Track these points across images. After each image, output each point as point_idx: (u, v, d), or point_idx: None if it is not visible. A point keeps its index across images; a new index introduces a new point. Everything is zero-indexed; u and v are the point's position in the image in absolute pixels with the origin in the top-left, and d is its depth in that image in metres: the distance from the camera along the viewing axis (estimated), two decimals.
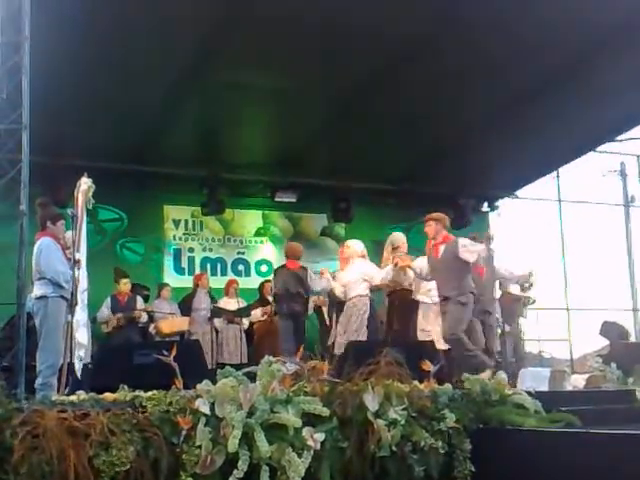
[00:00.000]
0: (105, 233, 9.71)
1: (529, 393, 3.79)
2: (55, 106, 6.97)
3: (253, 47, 6.75)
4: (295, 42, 6.66)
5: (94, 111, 7.59)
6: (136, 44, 6.58)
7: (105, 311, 8.00)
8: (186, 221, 10.41)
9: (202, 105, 7.97)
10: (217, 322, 8.67)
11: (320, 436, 3.24)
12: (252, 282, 10.18)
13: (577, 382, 4.84)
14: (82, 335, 4.81)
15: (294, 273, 7.61)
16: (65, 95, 7.04)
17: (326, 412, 3.33)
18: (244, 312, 8.80)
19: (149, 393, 3.33)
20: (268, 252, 10.87)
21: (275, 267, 8.71)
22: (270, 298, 8.99)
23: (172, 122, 8.28)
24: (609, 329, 8.47)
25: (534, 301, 8.60)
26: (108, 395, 3.35)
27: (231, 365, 3.85)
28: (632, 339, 9.91)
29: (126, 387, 3.39)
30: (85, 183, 4.77)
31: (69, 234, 5.13)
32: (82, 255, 4.90)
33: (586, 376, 4.97)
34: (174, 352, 3.55)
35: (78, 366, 4.69)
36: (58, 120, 7.38)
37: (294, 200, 10.45)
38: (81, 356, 4.73)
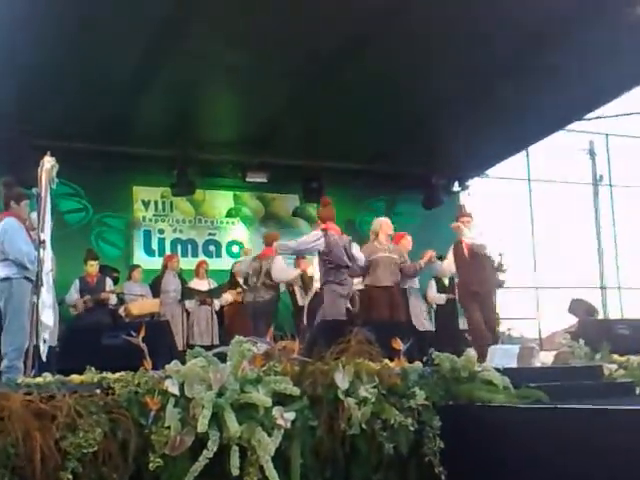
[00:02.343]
0: (67, 225, 9.54)
1: (498, 370, 3.81)
2: (18, 84, 6.82)
3: (220, 24, 6.67)
4: (262, 18, 6.57)
5: (59, 90, 7.45)
6: (102, 21, 6.45)
7: (73, 293, 7.90)
8: (156, 202, 10.31)
9: (170, 84, 7.85)
10: (188, 303, 8.63)
11: (290, 415, 3.23)
12: (223, 263, 10.14)
13: (545, 359, 4.90)
14: (47, 317, 4.73)
15: (260, 263, 7.69)
16: (28, 73, 6.90)
17: (296, 391, 3.32)
18: (215, 293, 8.77)
19: (117, 374, 3.29)
20: (239, 233, 10.83)
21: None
22: (241, 280, 8.97)
23: (140, 101, 8.18)
24: (577, 306, 8.58)
25: (504, 282, 8.67)
26: (75, 377, 3.31)
27: (202, 346, 3.82)
28: (600, 316, 10.07)
29: (93, 369, 3.35)
30: (48, 162, 4.67)
31: (34, 215, 5.04)
32: (47, 235, 4.81)
33: (554, 353, 5.03)
34: (143, 333, 3.51)
35: (43, 348, 4.63)
36: (21, 98, 7.23)
37: (265, 180, 10.40)
38: (45, 338, 4.66)
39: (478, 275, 6.86)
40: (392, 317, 7.01)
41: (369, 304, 7.28)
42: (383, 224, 7.49)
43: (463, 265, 7.07)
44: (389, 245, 7.39)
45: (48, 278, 4.86)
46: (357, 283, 7.68)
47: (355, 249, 6.99)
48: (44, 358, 4.62)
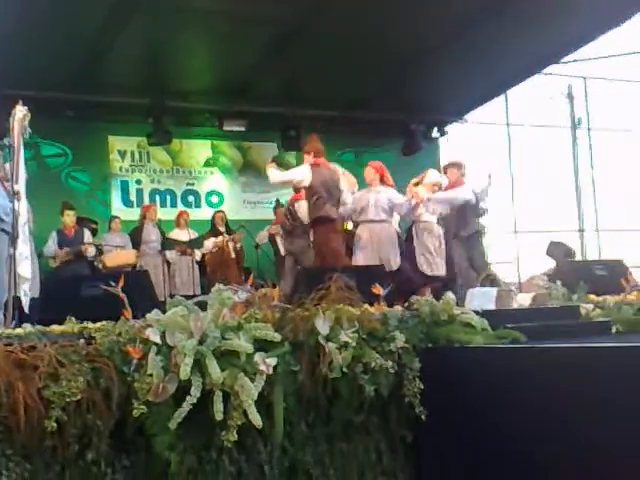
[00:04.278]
0: (48, 168, 9.48)
1: (476, 312, 3.86)
2: None
3: None
4: None
5: (28, 38, 7.25)
6: None
7: (51, 245, 7.84)
8: (132, 152, 10.19)
9: (144, 29, 7.68)
10: (169, 254, 8.62)
11: (272, 361, 3.25)
12: (203, 213, 10.11)
13: (523, 300, 4.95)
14: (25, 269, 4.69)
15: (329, 173, 6.91)
16: None
17: (278, 337, 3.34)
18: (196, 243, 8.77)
19: (98, 324, 3.28)
20: (218, 182, 10.77)
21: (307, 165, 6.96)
22: (222, 229, 8.95)
23: (113, 48, 7.99)
24: (555, 249, 8.69)
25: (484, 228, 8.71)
26: (55, 327, 3.29)
27: (184, 296, 3.81)
28: (578, 258, 10.21)
29: (73, 319, 3.34)
30: (20, 111, 4.56)
31: (7, 165, 4.95)
32: (21, 186, 4.73)
33: (532, 294, 5.09)
34: (122, 283, 3.49)
35: (25, 300, 4.60)
36: None
37: (243, 129, 10.30)
38: (25, 290, 4.63)
39: None
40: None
41: None
42: None
43: None
44: None
45: (24, 229, 4.80)
46: None
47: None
48: (27, 310, 4.60)
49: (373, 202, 7.07)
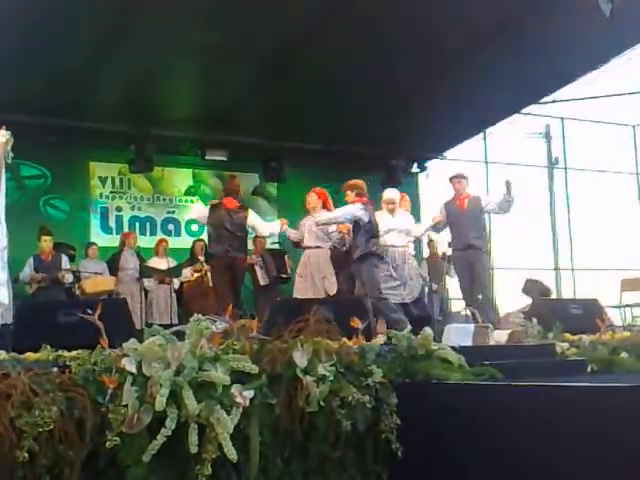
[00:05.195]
0: (27, 190, 9.42)
1: (453, 348, 3.88)
2: None
3: (185, 3, 6.61)
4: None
5: (13, 61, 7.25)
6: None
7: (27, 271, 7.77)
8: (113, 179, 10.17)
9: (129, 58, 7.72)
10: (146, 282, 8.57)
11: (249, 393, 3.23)
12: (183, 242, 10.08)
13: (500, 337, 4.98)
14: (2, 295, 4.63)
15: (228, 213, 7.12)
16: None
17: (255, 369, 3.32)
18: (174, 272, 8.72)
19: (73, 352, 3.25)
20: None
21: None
22: (202, 258, 8.91)
23: (97, 75, 8.01)
24: (531, 287, 8.76)
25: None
26: (30, 355, 3.26)
27: (161, 325, 3.78)
28: (553, 296, 10.29)
29: (49, 347, 3.30)
30: (3, 136, 4.53)
31: None
32: (1, 211, 4.69)
33: (508, 331, 5.12)
34: (99, 310, 3.46)
35: None
36: None
37: (225, 159, 10.32)
38: None
39: None
40: None
41: None
42: None
43: None
44: None
45: (2, 255, 4.75)
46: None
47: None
48: None
49: (308, 229, 7.28)
